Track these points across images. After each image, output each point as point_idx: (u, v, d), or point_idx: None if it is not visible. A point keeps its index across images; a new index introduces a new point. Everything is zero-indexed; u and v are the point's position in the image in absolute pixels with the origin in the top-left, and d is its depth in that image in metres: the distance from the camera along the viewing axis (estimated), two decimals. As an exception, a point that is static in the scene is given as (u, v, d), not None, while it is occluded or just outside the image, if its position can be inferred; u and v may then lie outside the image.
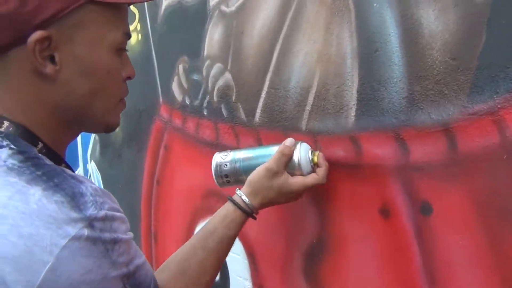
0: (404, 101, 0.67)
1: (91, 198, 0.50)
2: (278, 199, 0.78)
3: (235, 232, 0.76)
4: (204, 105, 1.14)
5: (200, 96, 1.16)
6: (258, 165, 0.79)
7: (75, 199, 0.49)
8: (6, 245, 0.46)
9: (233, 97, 1.03)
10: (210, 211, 1.14)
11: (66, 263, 0.47)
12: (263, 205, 0.78)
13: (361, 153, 0.75)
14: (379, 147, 0.71)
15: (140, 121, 1.49)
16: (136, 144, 1.53)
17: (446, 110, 0.62)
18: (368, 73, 0.72)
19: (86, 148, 2.00)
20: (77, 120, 0.59)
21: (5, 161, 0.50)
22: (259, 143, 0.97)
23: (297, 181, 0.77)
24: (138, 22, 1.45)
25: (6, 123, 0.55)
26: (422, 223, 0.66)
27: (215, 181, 0.86)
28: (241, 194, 0.78)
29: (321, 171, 0.78)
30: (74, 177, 0.52)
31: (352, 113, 0.75)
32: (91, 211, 0.49)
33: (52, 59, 0.55)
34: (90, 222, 0.48)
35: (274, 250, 0.95)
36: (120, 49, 0.60)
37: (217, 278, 1.15)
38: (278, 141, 0.90)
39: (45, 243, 0.46)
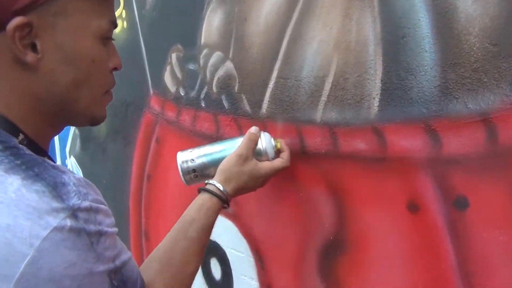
0: (436, 90, 0.63)
1: (74, 188, 0.47)
2: (249, 184, 0.81)
3: (213, 219, 0.77)
4: (202, 96, 1.08)
5: (197, 87, 1.10)
6: (224, 157, 0.82)
7: (56, 188, 0.46)
8: None
9: (236, 88, 0.98)
10: (210, 207, 1.09)
11: (47, 256, 0.44)
12: (236, 191, 0.80)
13: (386, 145, 0.71)
14: (407, 139, 0.68)
15: (127, 114, 1.41)
16: (122, 138, 1.45)
17: (485, 100, 0.59)
18: (394, 61, 0.68)
19: (64, 143, 1.90)
20: (61, 113, 0.56)
21: None
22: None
23: (266, 165, 0.81)
24: (123, 8, 1.36)
25: None
26: (456, 218, 0.63)
27: (182, 178, 0.87)
28: (214, 183, 0.79)
29: (285, 155, 0.83)
30: (55, 167, 0.49)
31: (375, 103, 0.71)
32: (74, 201, 0.46)
33: (33, 47, 0.52)
34: (74, 212, 0.46)
35: (284, 248, 0.91)
36: (106, 38, 0.57)
37: (219, 277, 1.10)
38: (289, 133, 0.86)
39: (24, 235, 0.44)
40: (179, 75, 1.15)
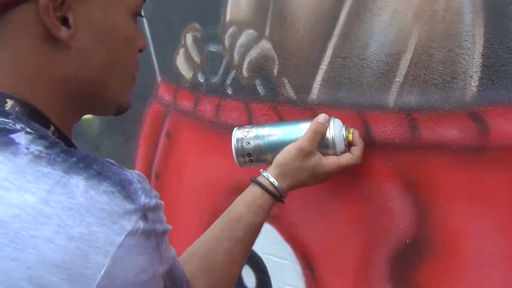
0: None
1: (139, 185, 0.42)
2: (309, 181, 0.71)
3: (263, 218, 0.69)
4: (228, 82, 0.94)
5: (220, 72, 0.95)
6: (285, 143, 0.71)
7: (125, 187, 0.41)
8: (54, 251, 0.37)
9: (275, 71, 0.84)
10: (241, 208, 0.96)
11: (121, 264, 0.39)
12: (292, 188, 0.71)
13: (488, 133, 0.60)
14: (519, 124, 0.57)
15: (127, 105, 1.24)
16: (120, 132, 1.29)
17: None
18: (500, 31, 0.57)
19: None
20: (88, 98, 0.49)
21: (27, 148, 0.40)
22: (318, 125, 0.79)
23: (331, 161, 0.70)
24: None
25: (10, 102, 0.44)
26: None
27: (236, 160, 0.76)
28: (269, 176, 0.70)
29: (356, 150, 0.71)
30: (111, 163, 0.43)
31: (473, 83, 0.60)
32: (143, 199, 0.42)
33: (64, 21, 0.44)
34: (144, 212, 0.41)
35: (341, 253, 0.80)
36: (137, 14, 0.51)
37: (253, 285, 0.98)
38: (349, 121, 0.74)
39: (99, 243, 0.39)
40: (196, 58, 1.00)
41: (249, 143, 0.74)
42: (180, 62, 1.05)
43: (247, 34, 0.88)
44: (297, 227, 0.86)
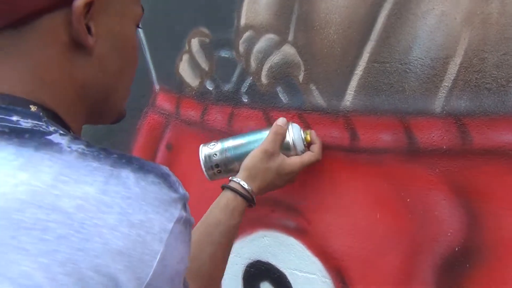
0: None
1: (175, 178, 0.44)
2: (277, 181, 0.76)
3: (239, 221, 0.73)
4: (243, 89, 0.89)
5: (234, 79, 0.90)
6: (249, 150, 0.76)
7: (166, 179, 0.42)
8: (119, 238, 0.38)
9: (301, 77, 0.80)
10: (261, 222, 0.91)
11: (171, 250, 0.41)
12: (262, 190, 0.75)
13: (548, 136, 0.60)
14: None
15: (116, 117, 1.15)
16: (110, 146, 1.18)
17: None
18: (561, 34, 0.57)
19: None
20: (98, 105, 0.51)
21: (69, 147, 0.41)
22: (353, 132, 0.76)
23: (294, 161, 0.76)
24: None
25: (33, 108, 0.44)
26: None
27: (205, 174, 0.81)
28: (239, 180, 0.74)
29: (316, 147, 0.77)
30: (146, 160, 0.44)
31: (532, 86, 0.60)
32: (181, 190, 0.43)
33: (87, 30, 0.46)
34: (185, 202, 0.43)
35: (380, 264, 0.77)
36: (138, 25, 0.54)
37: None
38: (389, 127, 0.71)
39: (155, 230, 0.40)
40: (204, 65, 0.94)
41: (216, 155, 0.79)
42: (184, 69, 0.98)
43: (267, 39, 0.83)
44: (328, 239, 0.82)
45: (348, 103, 0.76)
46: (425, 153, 0.69)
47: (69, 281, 0.36)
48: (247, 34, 0.86)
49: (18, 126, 0.42)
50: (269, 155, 0.74)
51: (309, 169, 0.82)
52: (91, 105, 0.50)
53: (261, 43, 0.84)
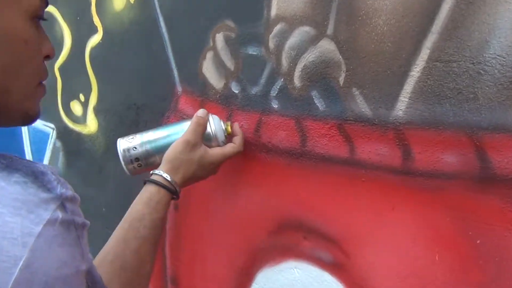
0: None
1: (53, 176, 0.41)
2: (199, 172, 0.75)
3: (163, 213, 0.71)
4: (273, 93, 0.75)
5: (262, 80, 0.76)
6: (170, 142, 0.75)
7: (38, 177, 0.40)
8: None
9: (341, 80, 0.65)
10: (291, 251, 0.76)
11: (41, 256, 0.37)
12: (185, 181, 0.74)
13: None
14: None
15: (138, 121, 1.05)
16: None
17: None
18: None
19: (40, 157, 1.50)
20: None
21: None
22: (406, 150, 0.60)
23: (216, 152, 0.76)
24: (129, -24, 1.00)
25: None
26: None
27: (125, 169, 0.78)
28: (161, 173, 0.72)
29: (238, 139, 0.78)
30: (22, 158, 0.42)
31: None
32: (59, 189, 0.41)
33: None
34: (62, 202, 0.41)
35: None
36: (37, 17, 0.49)
37: None
38: (455, 148, 0.55)
39: (15, 234, 0.37)
40: (229, 64, 0.81)
41: (135, 148, 0.77)
42: (208, 68, 0.85)
43: (301, 32, 0.69)
44: (370, 280, 0.67)
45: (400, 113, 0.60)
46: (504, 182, 0.52)
47: None
48: (278, 27, 0.72)
49: None
50: (191, 146, 0.73)
51: (349, 191, 0.67)
52: None
53: (295, 38, 0.70)
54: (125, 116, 1.08)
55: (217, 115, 0.80)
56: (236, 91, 0.81)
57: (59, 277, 0.39)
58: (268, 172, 0.78)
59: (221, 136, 0.76)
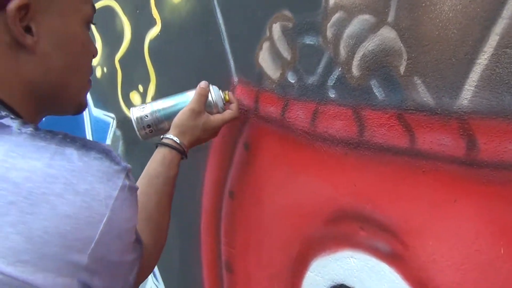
0: None
1: (116, 153, 0.50)
2: (203, 135, 0.85)
3: (176, 171, 0.81)
4: (330, 83, 0.75)
5: (320, 70, 0.76)
6: (178, 110, 0.85)
7: (108, 154, 0.49)
8: (65, 204, 0.44)
9: (402, 68, 0.64)
10: (347, 240, 0.77)
11: (117, 214, 0.48)
12: (192, 143, 0.84)
13: None
14: None
15: (195, 110, 1.08)
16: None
17: None
18: None
19: (100, 146, 1.57)
20: (52, 99, 0.56)
21: (19, 129, 0.47)
22: (471, 140, 0.58)
23: (217, 118, 0.86)
24: (187, -31, 1.02)
25: None
26: None
27: (138, 134, 0.89)
28: (171, 137, 0.82)
29: (234, 106, 0.89)
30: (87, 139, 0.50)
31: None
32: (123, 163, 0.50)
33: (28, 30, 0.51)
34: (127, 173, 0.50)
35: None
36: (89, 23, 0.59)
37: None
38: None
39: (100, 197, 0.47)
40: (286, 54, 0.81)
41: (147, 116, 0.86)
42: (264, 59, 0.86)
43: (361, 21, 0.68)
44: (430, 271, 0.66)
45: (465, 102, 0.58)
46: None
47: (20, 239, 0.43)
48: (336, 16, 0.71)
49: None
50: (196, 113, 0.84)
51: (409, 182, 0.66)
52: (43, 98, 0.55)
53: (353, 27, 0.69)
54: (182, 106, 1.11)
55: (269, 103, 0.82)
56: (293, 81, 0.81)
57: (126, 229, 0.50)
58: (324, 162, 0.78)
59: (220, 103, 0.87)
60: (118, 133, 1.46)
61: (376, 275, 0.73)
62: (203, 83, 0.87)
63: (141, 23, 1.22)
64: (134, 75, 1.30)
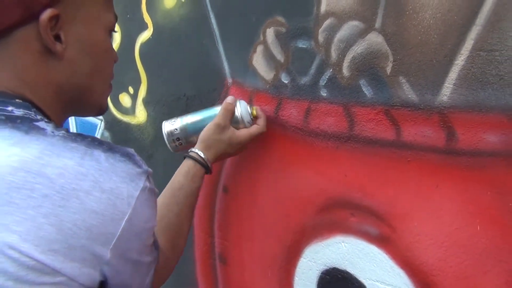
0: None
1: (138, 157, 0.54)
2: (229, 150, 0.89)
3: (200, 184, 0.86)
4: (322, 82, 0.82)
5: (312, 71, 0.83)
6: (205, 125, 0.89)
7: (131, 157, 0.53)
8: (92, 200, 0.48)
9: (388, 69, 0.72)
10: (338, 227, 0.84)
11: (138, 213, 0.51)
12: (217, 157, 0.88)
13: None
14: None
15: (188, 111, 1.12)
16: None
17: None
18: None
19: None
20: (77, 101, 0.61)
21: (53, 132, 0.51)
22: (450, 131, 0.67)
23: (243, 132, 0.89)
24: (180, -24, 1.07)
25: (19, 101, 0.54)
26: None
27: (169, 147, 0.95)
28: (197, 150, 0.87)
29: (261, 121, 0.90)
30: (112, 143, 0.54)
31: None
32: (144, 166, 0.54)
33: (57, 38, 0.56)
34: (148, 175, 0.54)
35: (484, 280, 0.67)
36: (112, 31, 0.64)
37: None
38: (496, 129, 0.61)
39: (123, 196, 0.50)
40: (280, 56, 0.88)
41: (177, 130, 0.93)
42: (258, 61, 0.92)
43: (350, 26, 0.76)
44: (415, 250, 0.74)
45: (445, 98, 0.66)
46: (542, 158, 0.59)
47: (52, 230, 0.46)
48: (327, 22, 0.79)
49: (12, 114, 0.52)
50: (221, 128, 0.87)
51: (395, 171, 0.73)
52: (69, 101, 0.60)
53: (344, 32, 0.77)
54: (174, 106, 1.16)
55: (264, 102, 0.88)
56: (286, 81, 0.88)
57: (145, 228, 0.54)
58: (317, 155, 0.85)
59: (246, 118, 0.89)
60: (106, 134, 1.48)
61: (366, 257, 0.80)
62: (229, 99, 0.89)
63: (132, 27, 1.26)
64: (124, 77, 1.34)
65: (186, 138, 0.92)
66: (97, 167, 0.49)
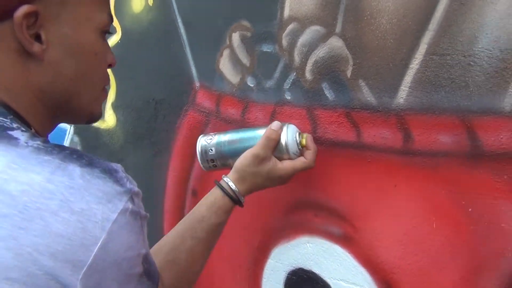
0: None
1: (123, 174, 0.48)
2: (267, 183, 0.76)
3: (224, 219, 0.75)
4: (286, 86, 0.83)
5: (276, 75, 0.85)
6: (244, 148, 0.76)
7: (113, 174, 0.47)
8: (59, 222, 0.43)
9: (348, 72, 0.74)
10: (303, 228, 0.85)
11: (114, 239, 0.45)
12: (251, 191, 0.76)
13: None
14: None
15: (156, 115, 1.13)
16: (149, 145, 1.17)
17: None
18: None
19: (56, 153, 1.57)
20: (62, 108, 0.55)
21: (26, 143, 0.46)
22: (407, 133, 0.69)
23: (286, 166, 0.75)
24: (148, -19, 1.08)
25: None
26: None
27: (201, 165, 0.83)
28: (228, 181, 0.75)
29: (309, 154, 0.76)
30: (96, 157, 0.49)
31: None
32: (129, 185, 0.47)
33: (37, 38, 0.51)
34: (131, 196, 0.47)
35: (438, 279, 0.69)
36: (105, 32, 0.58)
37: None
38: (449, 130, 0.64)
39: (97, 218, 0.44)
40: (245, 60, 0.89)
41: (212, 150, 0.80)
42: (225, 65, 0.94)
43: (312, 31, 0.77)
44: (376, 249, 0.76)
45: (401, 101, 0.69)
46: (491, 157, 0.61)
47: (8, 255, 0.41)
48: (290, 27, 0.80)
49: None
50: (260, 160, 0.74)
51: (356, 171, 0.75)
52: (54, 107, 0.54)
53: (306, 36, 0.78)
54: (143, 110, 1.16)
55: (230, 105, 0.88)
56: (252, 85, 0.89)
57: (125, 258, 0.46)
58: (282, 157, 0.87)
59: (292, 149, 0.75)
60: (76, 139, 1.47)
61: (330, 256, 0.82)
62: (275, 125, 0.75)
63: (101, 31, 1.26)
64: (93, 82, 1.33)
65: (220, 159, 0.80)
66: (68, 184, 0.44)
